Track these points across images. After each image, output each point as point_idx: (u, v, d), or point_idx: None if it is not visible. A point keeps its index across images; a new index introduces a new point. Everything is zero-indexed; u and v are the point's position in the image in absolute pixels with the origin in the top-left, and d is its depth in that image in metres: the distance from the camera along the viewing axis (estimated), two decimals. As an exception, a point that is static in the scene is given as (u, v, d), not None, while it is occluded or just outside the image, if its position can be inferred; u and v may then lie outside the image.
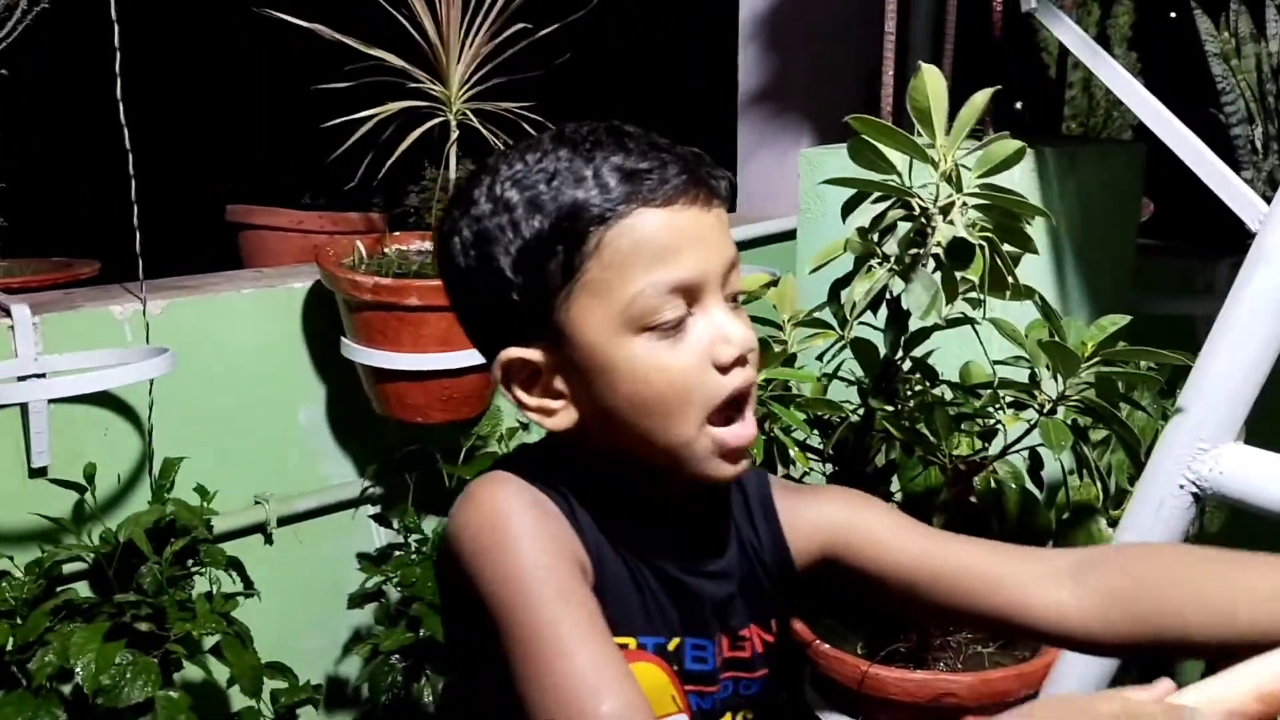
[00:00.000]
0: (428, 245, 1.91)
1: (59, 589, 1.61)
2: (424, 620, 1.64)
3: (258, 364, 1.86)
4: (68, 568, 1.64)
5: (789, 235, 2.54)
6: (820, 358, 1.12)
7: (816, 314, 1.21)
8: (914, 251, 0.95)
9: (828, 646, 1.30)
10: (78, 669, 1.47)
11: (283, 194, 2.32)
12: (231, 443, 1.84)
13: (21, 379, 1.60)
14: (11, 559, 1.61)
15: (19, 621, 1.54)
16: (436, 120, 1.71)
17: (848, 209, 1.02)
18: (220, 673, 1.64)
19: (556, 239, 0.79)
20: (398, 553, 1.81)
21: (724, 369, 0.80)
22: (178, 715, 1.51)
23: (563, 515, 0.81)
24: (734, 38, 2.65)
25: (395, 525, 1.89)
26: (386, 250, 1.88)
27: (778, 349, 1.09)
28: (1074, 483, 1.42)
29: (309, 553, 1.95)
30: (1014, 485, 1.35)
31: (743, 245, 2.35)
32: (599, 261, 0.78)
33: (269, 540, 1.89)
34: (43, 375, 1.61)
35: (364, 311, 1.70)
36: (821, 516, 0.91)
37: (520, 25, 1.75)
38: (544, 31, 1.71)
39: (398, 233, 1.95)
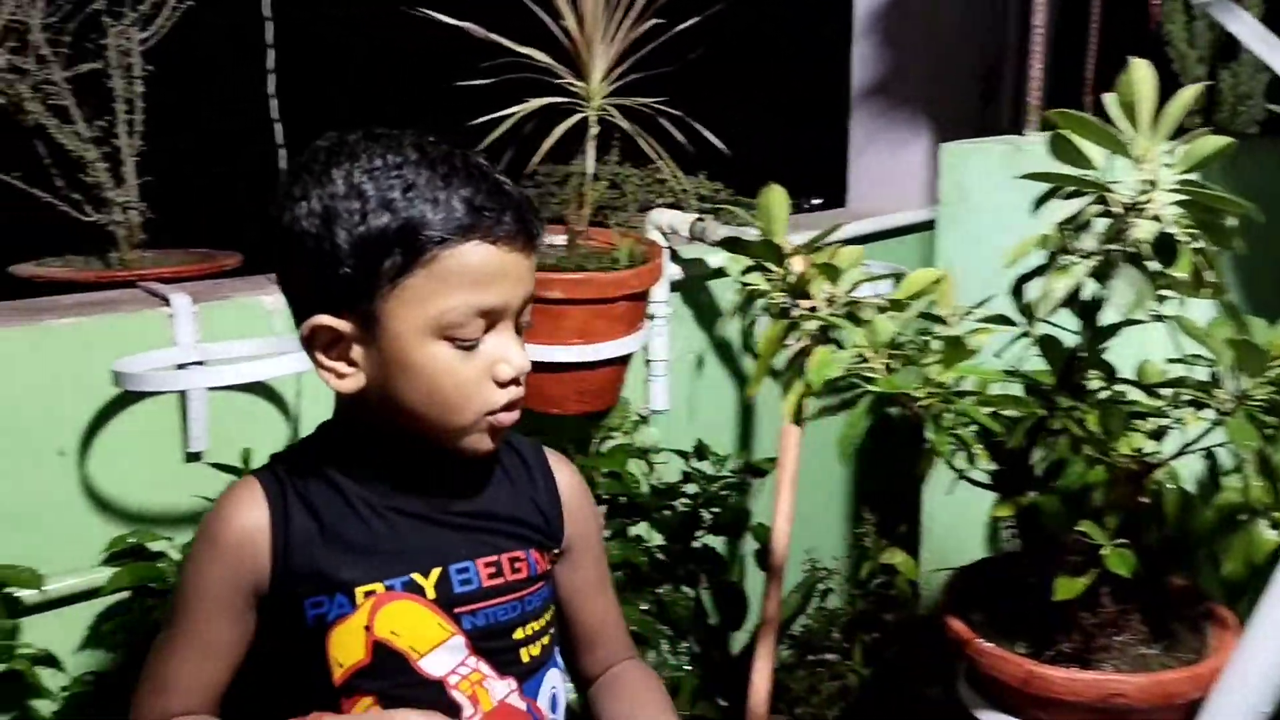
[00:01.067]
0: (560, 239, 1.94)
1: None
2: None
3: (395, 354, 1.90)
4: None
5: (903, 231, 2.53)
6: (998, 354, 1.12)
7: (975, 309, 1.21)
8: (1112, 248, 0.94)
9: (990, 645, 1.29)
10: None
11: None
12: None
13: (181, 367, 1.65)
14: (170, 540, 1.66)
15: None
16: (578, 115, 1.73)
17: (1040, 204, 1.02)
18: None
19: (397, 242, 0.91)
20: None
21: (500, 384, 0.97)
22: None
23: (266, 520, 0.99)
24: (848, 33, 2.64)
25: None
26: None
27: (942, 345, 1.09)
28: (1233, 483, 1.40)
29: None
30: (1171, 486, 1.34)
31: (854, 241, 2.34)
32: (427, 273, 0.92)
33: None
34: (201, 363, 1.66)
35: (505, 304, 1.73)
36: (576, 514, 1.10)
37: (655, 20, 1.76)
38: (680, 27, 1.72)
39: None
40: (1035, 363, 1.16)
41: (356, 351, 0.95)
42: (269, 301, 1.77)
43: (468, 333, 0.94)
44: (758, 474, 1.91)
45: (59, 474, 1.62)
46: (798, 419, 1.23)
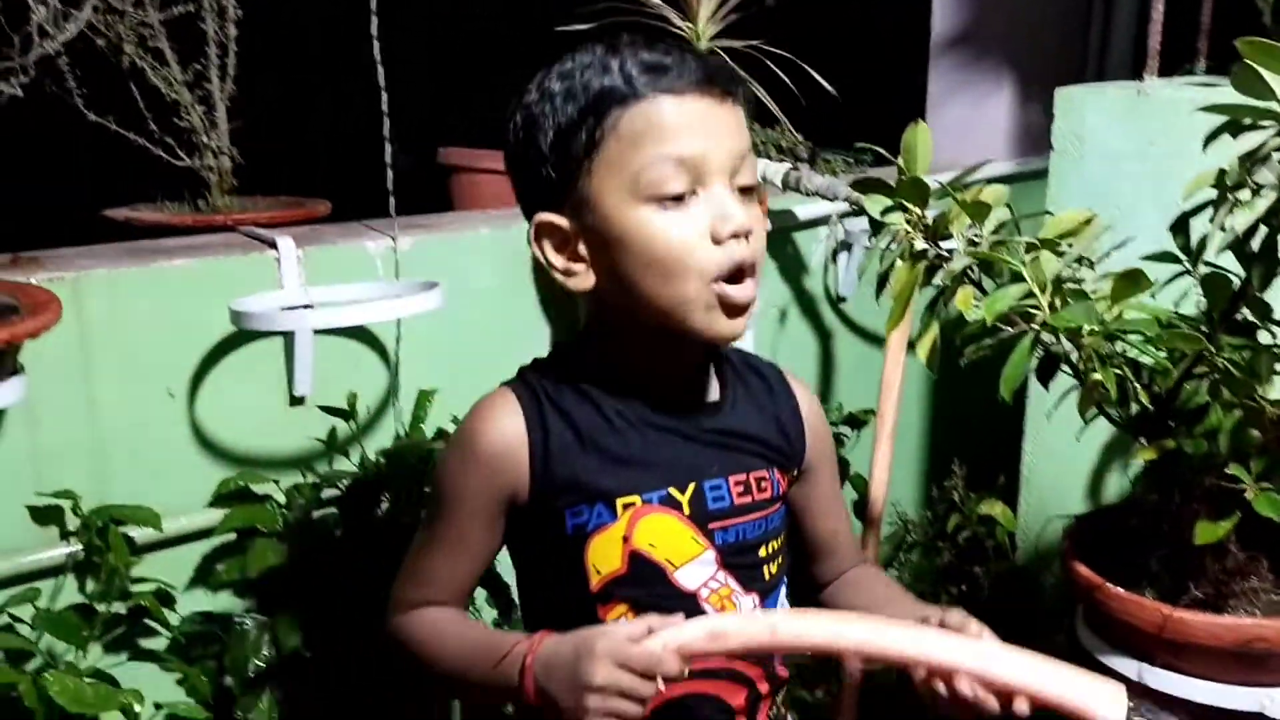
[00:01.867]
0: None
1: (315, 514, 1.68)
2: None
3: (493, 303, 1.90)
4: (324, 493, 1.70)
5: (991, 181, 2.49)
6: (1153, 295, 1.10)
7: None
8: (1296, 183, 0.93)
9: (1122, 590, 1.29)
10: (355, 588, 1.52)
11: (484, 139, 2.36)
12: (466, 379, 1.87)
13: (287, 309, 1.66)
14: (276, 483, 1.67)
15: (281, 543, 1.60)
16: (686, 59, 1.70)
17: (1210, 139, 1.00)
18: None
19: (584, 118, 0.93)
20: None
21: (720, 241, 0.93)
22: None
23: (523, 432, 1.00)
24: (929, -17, 2.60)
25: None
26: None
27: (1118, 280, 1.07)
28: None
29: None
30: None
31: (962, 178, 2.31)
32: (616, 137, 0.93)
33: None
34: (309, 306, 1.66)
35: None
36: (817, 435, 1.13)
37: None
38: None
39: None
40: (1187, 303, 1.15)
41: (581, 247, 0.97)
42: (371, 247, 1.77)
43: (670, 188, 0.92)
44: (857, 425, 1.90)
45: (169, 415, 1.63)
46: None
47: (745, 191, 0.96)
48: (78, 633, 1.42)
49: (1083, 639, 1.37)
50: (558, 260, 0.99)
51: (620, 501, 0.98)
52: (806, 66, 1.69)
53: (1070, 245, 1.11)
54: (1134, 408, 1.14)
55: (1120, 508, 1.48)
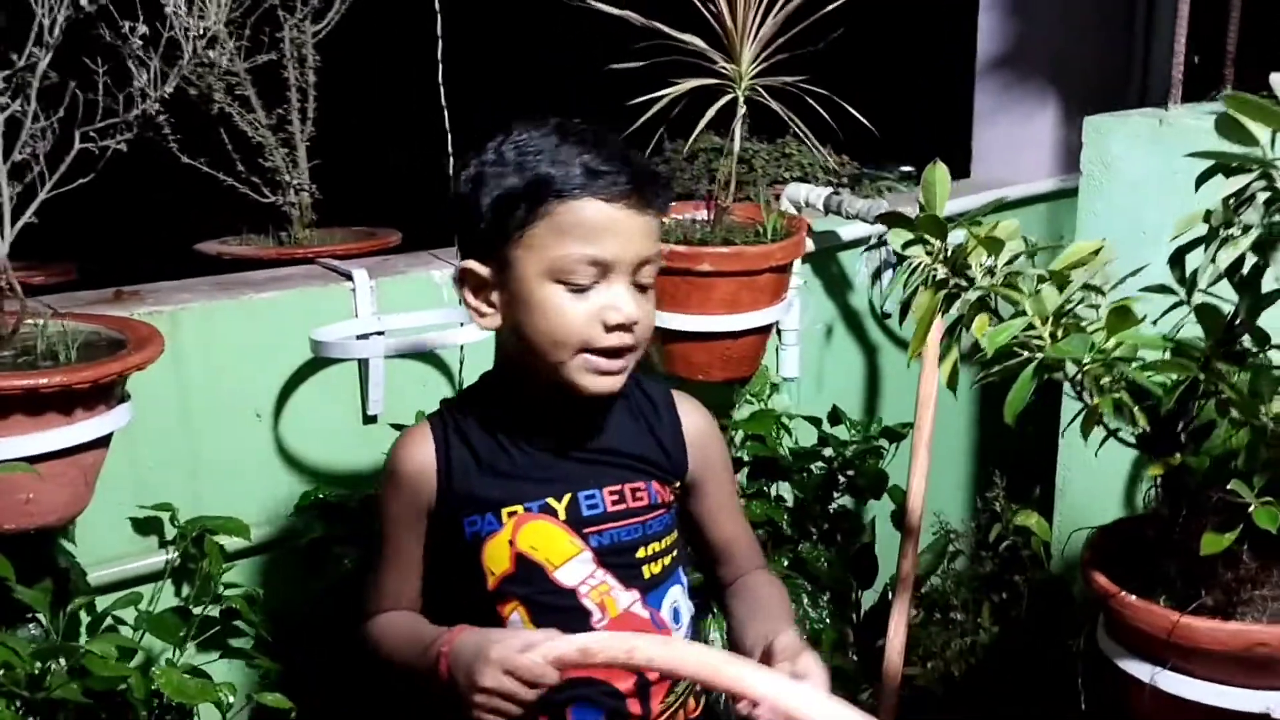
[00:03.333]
0: (702, 214, 2.03)
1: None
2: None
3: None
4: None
5: (1030, 201, 2.56)
6: (1154, 322, 1.18)
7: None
8: (1276, 220, 1.01)
9: (1134, 598, 1.36)
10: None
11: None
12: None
13: (361, 337, 1.80)
14: (350, 494, 1.82)
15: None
16: (728, 97, 1.81)
17: (1201, 181, 1.08)
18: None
19: (523, 197, 1.09)
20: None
21: (607, 329, 1.10)
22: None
23: (432, 454, 1.18)
24: (974, 5, 2.67)
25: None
26: (665, 220, 2.00)
27: (1106, 313, 1.15)
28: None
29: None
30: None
31: (980, 212, 2.38)
32: (547, 224, 1.09)
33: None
34: (381, 333, 1.80)
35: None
36: (702, 450, 1.25)
37: (798, 1, 1.84)
38: (825, 10, 1.79)
39: (675, 202, 2.07)
40: (1187, 331, 1.22)
41: (495, 295, 1.14)
42: (438, 276, 1.91)
43: (578, 278, 1.09)
44: (895, 438, 1.99)
45: (256, 434, 1.78)
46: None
47: (643, 288, 1.12)
48: (175, 632, 1.57)
49: (1102, 645, 1.45)
50: (473, 301, 1.16)
51: (505, 510, 1.16)
52: (845, 104, 1.79)
53: (1079, 276, 1.19)
54: (1138, 427, 1.22)
55: (1139, 519, 1.55)
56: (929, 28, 3.16)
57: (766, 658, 1.10)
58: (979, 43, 2.68)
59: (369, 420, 1.87)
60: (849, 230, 2.26)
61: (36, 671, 1.18)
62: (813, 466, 1.97)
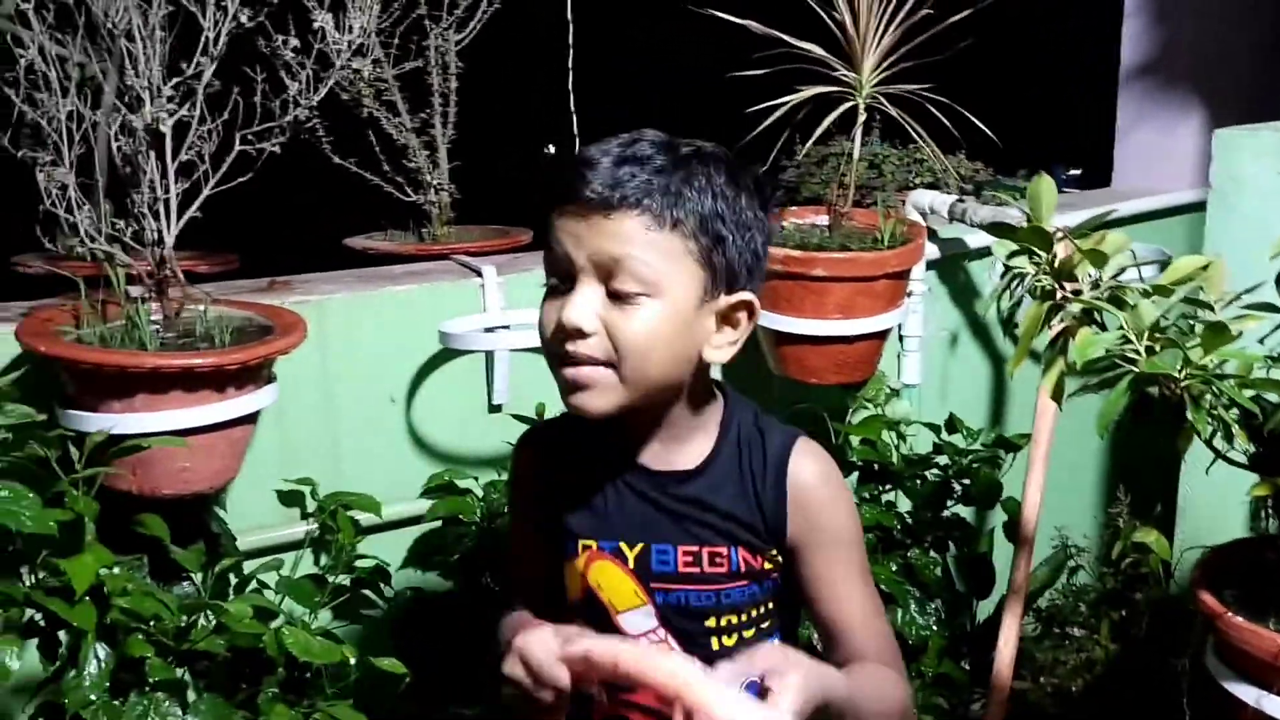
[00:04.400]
0: (823, 219, 2.06)
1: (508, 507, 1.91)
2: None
3: (668, 324, 2.08)
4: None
5: (1173, 211, 2.49)
6: (1261, 340, 1.16)
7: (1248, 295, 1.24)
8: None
9: (1241, 619, 1.34)
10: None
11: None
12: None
13: (489, 330, 1.90)
14: (476, 479, 1.92)
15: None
16: (848, 104, 1.84)
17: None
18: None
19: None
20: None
21: (553, 335, 1.05)
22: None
23: (540, 463, 1.19)
24: (1118, 13, 2.61)
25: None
26: (785, 224, 2.04)
27: (1206, 330, 1.14)
28: None
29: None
30: None
31: (1121, 221, 2.33)
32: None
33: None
34: (507, 327, 1.90)
35: (771, 280, 1.87)
36: (805, 513, 1.10)
37: (925, 11, 1.85)
38: (954, 19, 1.79)
39: (794, 207, 2.11)
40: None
41: None
42: (562, 274, 1.99)
43: (551, 284, 1.07)
44: (1011, 449, 1.97)
45: (390, 418, 1.90)
46: (1057, 397, 1.32)
47: (620, 296, 1.03)
48: (311, 598, 1.69)
49: (1209, 666, 1.42)
50: None
51: (581, 542, 1.14)
52: (966, 112, 1.79)
53: (1184, 290, 1.18)
54: (1242, 446, 1.21)
55: (1259, 541, 1.51)
56: (1071, 35, 3.09)
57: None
58: (1123, 50, 2.62)
59: (494, 409, 1.97)
60: (976, 238, 2.25)
61: (184, 624, 1.30)
62: (926, 474, 1.98)
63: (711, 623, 1.10)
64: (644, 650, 0.93)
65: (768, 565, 1.10)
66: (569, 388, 1.06)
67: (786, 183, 2.59)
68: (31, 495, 1.17)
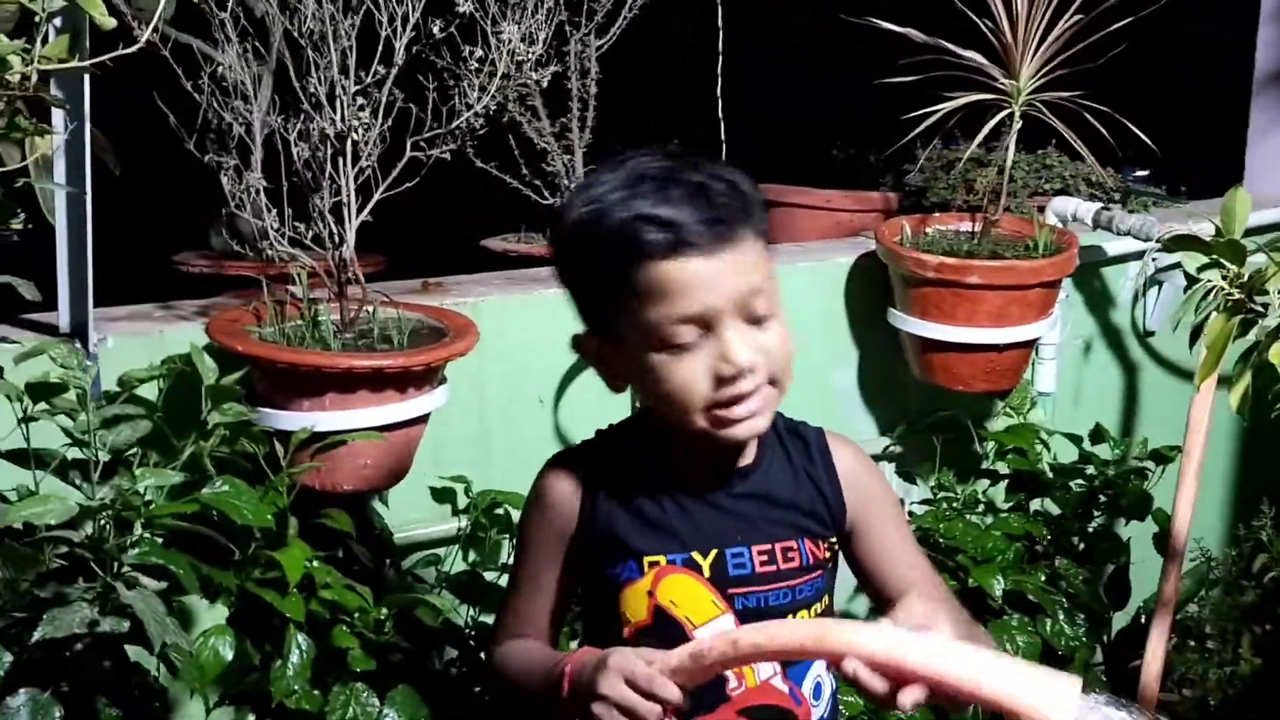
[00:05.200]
0: (965, 226, 2.06)
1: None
2: (970, 572, 1.80)
3: (804, 329, 2.08)
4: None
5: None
6: None
7: None
8: None
9: None
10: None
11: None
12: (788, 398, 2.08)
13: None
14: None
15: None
16: (1004, 112, 1.83)
17: None
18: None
19: (601, 267, 1.01)
20: (927, 508, 1.99)
21: (722, 382, 1.00)
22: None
23: (578, 489, 1.11)
24: (1254, 18, 2.56)
25: (919, 482, 2.08)
26: (928, 230, 2.04)
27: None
28: None
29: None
30: None
31: (1258, 230, 2.29)
32: (629, 292, 0.99)
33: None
34: (655, 330, 1.92)
35: (922, 286, 1.87)
36: (858, 489, 1.12)
37: (1078, 17, 1.84)
38: (1112, 27, 1.78)
39: (937, 214, 2.11)
40: None
41: (616, 362, 1.07)
42: (707, 278, 2.01)
43: (677, 339, 0.99)
44: (1163, 461, 1.96)
45: (538, 418, 1.94)
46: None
47: (759, 319, 1.01)
48: (469, 594, 1.73)
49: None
50: (602, 370, 1.11)
51: (647, 559, 1.07)
52: (1124, 120, 1.78)
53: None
54: None
55: None
56: (1202, 40, 3.05)
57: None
58: (1258, 55, 2.57)
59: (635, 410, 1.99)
60: (1113, 246, 2.23)
61: (383, 617, 1.35)
62: (1071, 484, 1.97)
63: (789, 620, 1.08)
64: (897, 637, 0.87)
65: (826, 555, 1.12)
66: (735, 422, 1.02)
67: (912, 187, 2.60)
68: (248, 489, 1.22)
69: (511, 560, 1.20)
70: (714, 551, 1.07)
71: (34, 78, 1.23)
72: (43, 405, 1.17)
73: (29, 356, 1.27)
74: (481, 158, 2.20)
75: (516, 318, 1.89)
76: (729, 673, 1.05)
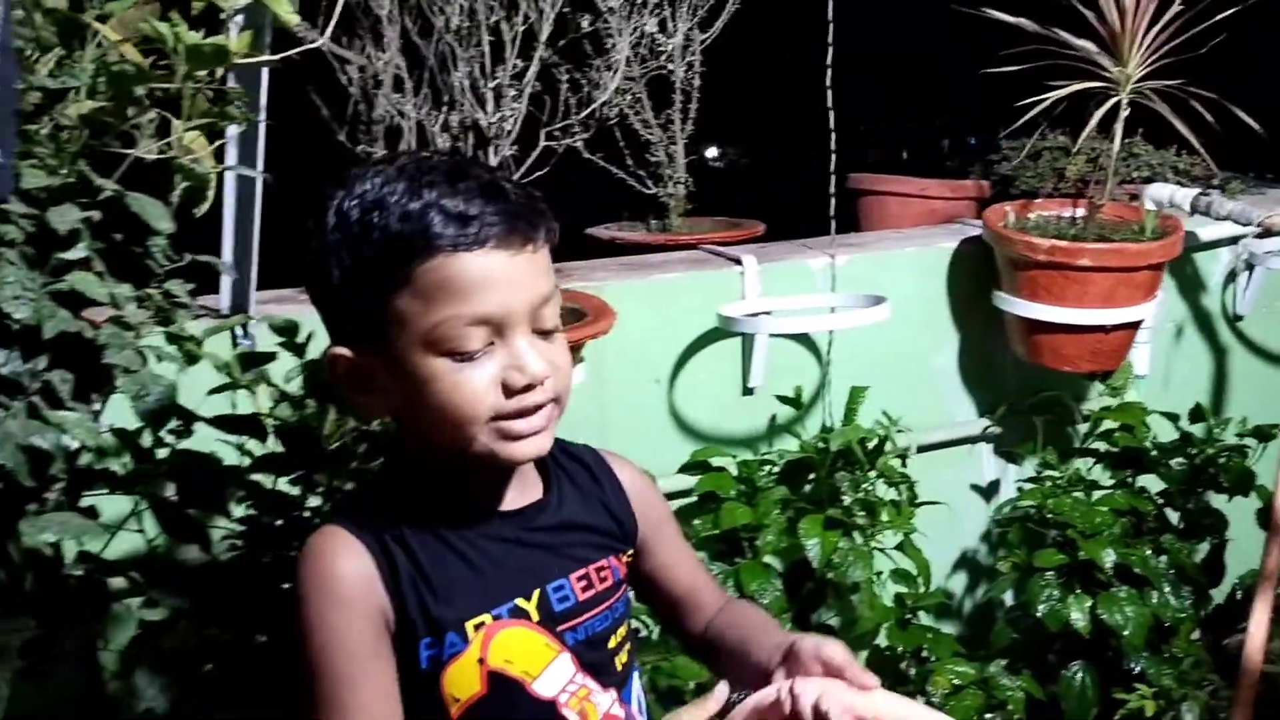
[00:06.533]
0: (1066, 211, 2.11)
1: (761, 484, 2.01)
2: (1080, 545, 1.86)
3: (908, 312, 2.15)
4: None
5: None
6: None
7: None
8: None
9: None
10: (809, 550, 1.83)
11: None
12: (877, 377, 2.14)
13: (749, 316, 1.99)
14: (733, 456, 2.02)
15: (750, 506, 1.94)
16: (1112, 100, 1.89)
17: None
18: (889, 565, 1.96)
19: (379, 263, 0.89)
20: (1028, 486, 2.04)
21: (511, 393, 0.90)
22: (880, 600, 1.85)
23: (371, 561, 0.93)
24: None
25: (1021, 462, 2.14)
26: (1030, 215, 2.10)
27: None
28: None
29: (931, 479, 2.23)
30: None
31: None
32: (412, 292, 0.88)
33: (903, 464, 2.19)
34: (768, 313, 1.99)
35: (1031, 269, 1.93)
36: (645, 506, 1.06)
37: (1181, 7, 1.88)
38: (1221, 15, 1.83)
39: (1039, 200, 2.16)
40: None
41: (376, 379, 0.93)
42: (814, 264, 2.08)
43: (465, 345, 0.89)
44: (1266, 438, 2.01)
45: (654, 398, 2.01)
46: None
47: (547, 332, 0.93)
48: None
49: None
50: (355, 394, 0.96)
51: (470, 625, 0.94)
52: (1233, 107, 1.82)
53: None
54: None
55: None
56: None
57: (789, 660, 0.97)
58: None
59: (747, 392, 2.07)
60: (1206, 231, 2.27)
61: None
62: (1173, 461, 2.02)
63: (613, 643, 1.02)
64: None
65: (627, 569, 1.06)
66: (520, 437, 0.92)
67: (998, 176, 2.65)
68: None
69: (311, 699, 0.92)
70: (537, 592, 0.97)
71: (223, 72, 1.32)
72: (249, 375, 1.25)
73: (216, 331, 1.35)
74: (586, 149, 2.29)
75: (634, 301, 1.96)
76: (573, 715, 0.98)
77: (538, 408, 0.92)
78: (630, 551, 1.06)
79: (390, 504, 0.96)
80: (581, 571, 1.00)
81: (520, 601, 0.96)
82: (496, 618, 0.95)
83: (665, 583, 1.10)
